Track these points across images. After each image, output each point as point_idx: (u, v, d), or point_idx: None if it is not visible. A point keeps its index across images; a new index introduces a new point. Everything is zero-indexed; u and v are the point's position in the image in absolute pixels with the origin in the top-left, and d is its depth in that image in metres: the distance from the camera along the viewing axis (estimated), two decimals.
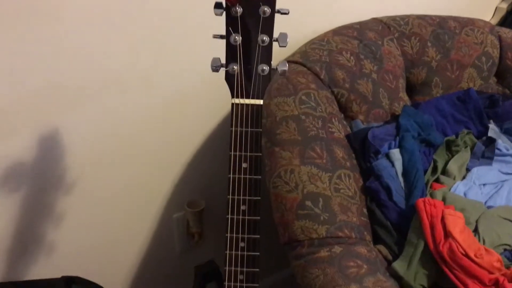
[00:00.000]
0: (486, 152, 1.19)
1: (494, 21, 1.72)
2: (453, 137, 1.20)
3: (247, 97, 0.74)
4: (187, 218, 1.34)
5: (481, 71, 1.36)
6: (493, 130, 1.24)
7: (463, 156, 1.17)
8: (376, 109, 1.20)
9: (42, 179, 1.09)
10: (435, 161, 1.14)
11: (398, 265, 0.95)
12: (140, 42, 1.07)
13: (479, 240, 0.97)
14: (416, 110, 1.21)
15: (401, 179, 1.07)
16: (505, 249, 0.99)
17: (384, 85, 1.22)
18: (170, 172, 1.29)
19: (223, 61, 0.74)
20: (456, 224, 0.95)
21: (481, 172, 1.14)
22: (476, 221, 1.00)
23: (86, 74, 1.05)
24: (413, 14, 1.35)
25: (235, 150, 0.75)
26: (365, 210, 1.04)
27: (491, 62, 1.37)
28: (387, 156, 1.10)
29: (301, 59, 1.16)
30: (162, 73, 1.13)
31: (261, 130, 0.75)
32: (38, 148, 1.06)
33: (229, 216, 0.77)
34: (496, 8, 1.73)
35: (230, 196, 0.77)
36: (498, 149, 1.19)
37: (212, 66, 0.74)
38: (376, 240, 1.03)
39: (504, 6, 1.71)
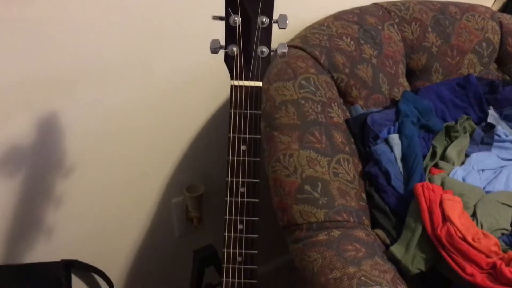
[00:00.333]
0: (485, 138, 1.19)
1: (495, 7, 1.71)
2: (453, 122, 1.20)
3: (246, 79, 0.74)
4: (186, 203, 1.34)
5: (481, 57, 1.35)
6: (492, 116, 1.23)
7: (462, 141, 1.17)
8: (375, 94, 1.19)
9: (41, 163, 1.09)
10: (434, 147, 1.14)
11: (396, 249, 0.95)
12: (138, 25, 1.06)
13: (477, 225, 0.97)
14: (415, 96, 1.20)
15: (400, 164, 1.07)
16: (502, 234, 0.99)
17: (384, 71, 1.21)
18: (169, 157, 1.29)
19: (222, 43, 0.73)
20: (454, 209, 0.95)
21: (480, 158, 1.14)
22: (475, 206, 1.01)
23: (84, 59, 1.04)
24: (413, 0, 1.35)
25: (234, 132, 0.75)
26: (363, 195, 1.04)
27: (491, 48, 1.37)
28: (386, 141, 1.09)
29: (301, 44, 1.15)
30: (160, 56, 1.12)
31: (260, 112, 0.75)
32: (37, 133, 1.05)
33: (228, 199, 0.78)
34: None
35: (229, 178, 0.77)
36: (498, 135, 1.19)
37: (211, 48, 0.74)
38: (375, 224, 1.03)
39: None
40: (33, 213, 1.14)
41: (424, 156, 1.12)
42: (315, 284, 0.90)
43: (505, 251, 0.93)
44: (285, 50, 0.75)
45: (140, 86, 1.13)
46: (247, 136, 0.75)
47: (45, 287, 1.16)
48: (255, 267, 0.81)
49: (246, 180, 0.77)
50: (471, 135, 1.20)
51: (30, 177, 1.09)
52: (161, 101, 1.18)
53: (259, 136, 0.75)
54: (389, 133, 1.12)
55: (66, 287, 1.18)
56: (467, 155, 1.16)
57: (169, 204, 1.35)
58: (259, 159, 0.76)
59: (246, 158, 0.76)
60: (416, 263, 0.94)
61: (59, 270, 1.18)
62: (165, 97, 1.18)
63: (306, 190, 0.97)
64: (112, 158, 1.19)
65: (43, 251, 1.17)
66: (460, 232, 0.92)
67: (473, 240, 0.91)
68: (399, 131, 1.12)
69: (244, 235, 0.79)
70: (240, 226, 0.79)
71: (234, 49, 0.72)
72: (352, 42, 1.17)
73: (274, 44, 0.74)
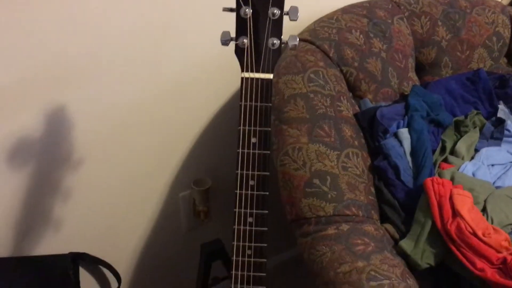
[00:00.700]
0: (495, 133, 1.18)
1: (505, 1, 1.69)
2: (462, 117, 1.19)
3: (257, 71, 0.74)
4: (193, 197, 1.34)
5: (491, 52, 1.34)
6: (502, 111, 1.22)
7: (472, 136, 1.16)
8: (384, 89, 1.19)
9: (49, 157, 1.09)
10: (443, 141, 1.14)
11: (405, 244, 0.95)
12: (147, 17, 1.06)
13: (487, 220, 0.96)
14: (425, 90, 1.20)
15: (409, 158, 1.07)
16: None
17: (393, 64, 1.20)
18: (176, 150, 1.29)
19: (233, 34, 0.73)
20: (464, 203, 0.94)
21: (489, 153, 1.13)
22: (485, 201, 1.00)
23: (93, 51, 1.04)
24: None
25: (244, 125, 0.75)
26: (372, 189, 1.04)
27: (501, 42, 1.36)
28: (396, 135, 1.09)
29: (310, 37, 1.15)
30: (169, 49, 1.12)
31: (270, 104, 0.74)
32: (45, 125, 1.05)
33: (238, 191, 0.77)
34: None
35: (239, 171, 0.77)
36: (508, 130, 1.18)
37: (221, 40, 0.73)
38: (383, 219, 1.03)
39: None
40: (41, 206, 1.14)
41: (434, 151, 1.11)
42: (324, 278, 0.90)
43: None
44: (296, 42, 0.75)
45: (148, 80, 1.13)
46: (258, 128, 0.75)
47: (53, 280, 1.16)
48: (264, 260, 0.81)
49: (256, 173, 0.76)
50: (480, 130, 1.19)
51: (38, 171, 1.09)
52: (170, 95, 1.18)
53: (270, 129, 0.75)
54: (398, 127, 1.11)
55: (74, 280, 1.18)
56: (476, 150, 1.15)
57: (177, 198, 1.34)
58: (269, 152, 0.76)
59: (256, 151, 0.75)
60: (425, 257, 0.93)
61: (67, 263, 1.18)
62: (174, 91, 1.18)
63: (315, 184, 0.96)
64: (119, 152, 1.19)
65: (52, 244, 1.18)
66: (470, 227, 0.91)
67: (483, 235, 0.91)
68: (409, 125, 1.11)
69: (253, 228, 0.79)
70: (249, 219, 0.78)
71: (245, 41, 0.72)
72: (361, 36, 1.17)
73: (284, 37, 0.73)
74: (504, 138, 1.18)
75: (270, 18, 0.71)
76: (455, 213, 0.93)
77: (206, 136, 1.29)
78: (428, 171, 1.04)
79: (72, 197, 1.17)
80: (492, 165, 1.12)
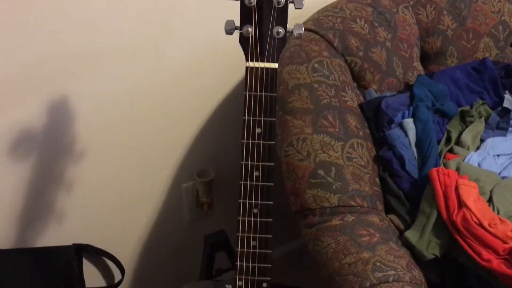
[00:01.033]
0: (501, 123, 1.17)
1: None
2: (468, 107, 1.18)
3: (262, 61, 0.73)
4: (196, 188, 1.34)
5: (497, 41, 1.33)
6: (508, 100, 1.21)
7: (477, 126, 1.15)
8: (389, 78, 1.18)
9: (52, 147, 1.08)
10: (448, 132, 1.13)
11: (411, 234, 0.94)
12: (151, 7, 1.05)
13: (493, 210, 0.96)
14: (430, 80, 1.18)
15: (414, 149, 1.06)
16: None
17: (398, 54, 1.19)
18: (180, 141, 1.28)
19: (237, 23, 0.72)
20: (470, 194, 0.94)
21: (495, 143, 1.12)
22: (491, 191, 0.99)
23: (95, 41, 1.03)
24: None
25: (248, 115, 0.74)
26: (377, 180, 1.03)
27: (508, 31, 1.34)
28: (401, 126, 1.08)
29: (314, 26, 1.13)
30: (172, 38, 1.11)
31: (275, 94, 0.74)
32: (48, 115, 1.05)
33: (243, 182, 0.77)
34: None
35: (244, 162, 0.76)
36: None
37: (226, 29, 0.72)
38: (388, 209, 1.02)
39: None
40: (44, 198, 1.13)
41: (439, 141, 1.10)
42: (329, 269, 0.89)
43: None
44: (301, 31, 0.74)
45: (151, 69, 1.12)
46: (262, 119, 0.74)
47: (57, 271, 1.16)
48: (269, 251, 0.80)
49: (261, 163, 0.76)
50: (486, 120, 1.18)
51: (41, 161, 1.08)
52: (173, 86, 1.17)
53: (275, 119, 0.74)
54: (403, 117, 1.10)
55: (78, 271, 1.18)
56: (482, 140, 1.14)
57: (180, 189, 1.34)
58: (274, 143, 0.75)
59: (261, 141, 0.75)
60: (430, 248, 0.93)
61: (71, 254, 1.18)
62: (177, 81, 1.17)
63: (320, 175, 0.96)
64: (122, 143, 1.19)
65: (55, 235, 1.18)
66: (476, 217, 0.91)
67: (489, 225, 0.90)
68: (414, 116, 1.10)
69: (258, 219, 0.78)
70: (254, 210, 0.78)
71: (250, 29, 0.71)
72: (366, 25, 1.15)
73: (288, 26, 0.72)
74: (510, 128, 1.17)
75: (275, 6, 0.70)
76: (461, 204, 0.92)
77: (210, 127, 1.29)
78: (434, 162, 1.03)
79: (75, 189, 1.17)
80: (498, 155, 1.11)
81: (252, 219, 0.79)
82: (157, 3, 1.05)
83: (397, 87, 1.19)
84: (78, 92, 1.06)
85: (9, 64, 0.96)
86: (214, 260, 1.30)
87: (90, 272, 1.28)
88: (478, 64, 1.26)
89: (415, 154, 1.06)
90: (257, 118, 0.74)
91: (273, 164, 0.76)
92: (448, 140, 1.12)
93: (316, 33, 1.12)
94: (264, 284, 0.83)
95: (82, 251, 1.21)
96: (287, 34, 0.72)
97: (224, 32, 0.72)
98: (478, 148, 1.12)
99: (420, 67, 1.26)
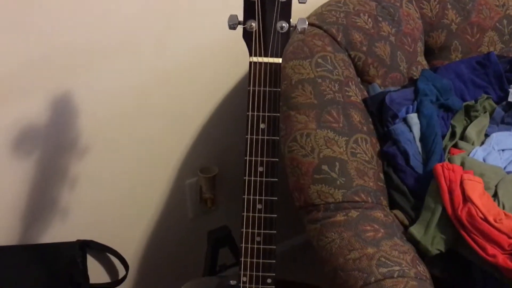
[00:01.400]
0: (506, 117, 1.17)
1: None
2: (472, 102, 1.17)
3: (265, 56, 0.72)
4: (200, 184, 1.34)
5: (502, 35, 1.32)
6: None
7: (482, 121, 1.15)
8: (393, 73, 1.17)
9: (56, 142, 1.08)
10: (453, 126, 1.12)
11: (415, 230, 0.94)
12: (153, 1, 1.04)
13: (498, 205, 0.95)
14: (435, 74, 1.18)
15: (418, 144, 1.06)
16: None
17: (402, 49, 1.18)
18: (183, 137, 1.28)
19: (241, 18, 0.71)
20: (475, 189, 0.93)
21: (500, 138, 1.12)
22: (496, 186, 0.99)
23: (98, 36, 1.03)
24: None
25: (252, 110, 0.74)
26: (381, 175, 1.03)
27: None
28: (405, 121, 1.08)
29: (317, 21, 1.13)
30: (175, 33, 1.10)
31: (279, 89, 0.73)
32: (51, 111, 1.05)
33: (247, 178, 0.76)
34: None
35: (248, 158, 0.76)
36: None
37: (229, 24, 0.72)
38: (393, 205, 1.02)
39: None
40: (48, 194, 1.14)
41: (443, 136, 1.10)
42: (333, 264, 0.89)
43: None
44: (305, 25, 0.73)
45: (154, 64, 1.12)
46: (266, 114, 0.74)
47: (61, 267, 1.17)
48: (274, 247, 0.80)
49: (265, 159, 0.75)
50: (491, 115, 1.17)
51: (44, 157, 1.08)
52: (176, 81, 1.17)
53: (279, 114, 0.74)
54: (407, 112, 1.10)
55: (82, 267, 1.18)
56: (487, 135, 1.14)
57: (183, 185, 1.34)
58: (278, 138, 0.75)
59: (265, 137, 0.74)
60: (435, 244, 0.93)
61: (75, 250, 1.18)
62: (180, 77, 1.17)
63: (324, 170, 0.96)
64: (126, 139, 1.19)
65: (59, 232, 1.18)
66: (481, 212, 0.90)
67: (494, 220, 0.90)
68: (418, 111, 1.10)
69: (262, 215, 0.78)
70: (258, 206, 0.78)
71: (253, 24, 0.71)
72: (369, 20, 1.15)
73: (292, 20, 0.72)
74: None
75: (278, 0, 0.69)
76: (466, 199, 0.92)
77: (213, 123, 1.29)
78: (438, 157, 1.02)
79: (78, 185, 1.17)
80: (503, 150, 1.10)
81: (257, 214, 0.78)
82: None
83: (401, 82, 1.19)
84: (81, 87, 1.06)
85: (12, 60, 0.96)
86: (217, 256, 1.30)
87: (94, 268, 1.28)
88: (482, 58, 1.25)
89: (420, 149, 1.05)
90: (261, 114, 0.74)
91: (277, 159, 0.76)
92: (453, 135, 1.12)
93: (320, 28, 1.12)
94: (269, 280, 0.82)
95: (86, 247, 1.21)
96: (291, 28, 0.72)
97: (227, 27, 0.72)
98: (482, 143, 1.12)
99: (424, 62, 1.26)
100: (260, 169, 0.76)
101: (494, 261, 0.87)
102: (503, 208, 0.95)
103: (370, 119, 1.09)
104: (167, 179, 1.31)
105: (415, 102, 1.11)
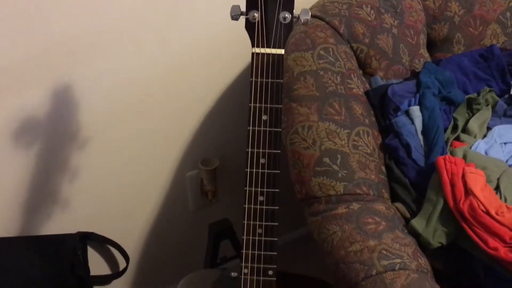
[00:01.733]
0: (508, 110, 1.16)
1: None
2: (475, 95, 1.17)
3: (268, 47, 0.72)
4: (201, 177, 1.33)
5: (505, 27, 1.31)
6: None
7: (484, 114, 1.14)
8: (396, 66, 1.16)
9: (57, 134, 1.08)
10: (455, 119, 1.12)
11: (417, 222, 0.94)
12: None
13: (500, 198, 0.95)
14: (437, 67, 1.17)
15: (420, 136, 1.05)
16: None
17: (404, 41, 1.18)
18: (184, 130, 1.28)
19: (243, 8, 0.71)
20: (477, 182, 0.93)
21: (502, 131, 1.12)
22: (498, 179, 0.98)
23: (99, 28, 1.02)
24: None
25: (255, 102, 0.73)
26: (383, 168, 1.03)
27: None
28: (407, 113, 1.07)
29: (320, 13, 1.12)
30: (177, 24, 1.10)
31: (282, 81, 0.73)
32: (52, 103, 1.04)
33: (248, 170, 0.76)
34: None
35: (250, 149, 0.75)
36: None
37: (231, 14, 0.71)
38: (394, 198, 1.01)
39: None
40: (49, 186, 1.13)
41: (445, 129, 1.09)
42: (334, 257, 0.89)
43: None
44: (308, 16, 0.73)
45: (155, 56, 1.11)
46: (269, 105, 0.73)
47: (62, 259, 1.17)
48: (275, 239, 0.80)
49: (267, 151, 0.75)
50: (493, 108, 1.17)
51: (45, 149, 1.08)
52: (177, 72, 1.16)
53: (281, 106, 0.73)
54: (409, 105, 1.09)
55: (82, 259, 1.19)
56: (489, 128, 1.13)
57: (184, 178, 1.34)
58: (280, 130, 0.75)
59: (268, 128, 0.74)
60: (437, 236, 0.93)
61: (76, 242, 1.18)
62: (182, 68, 1.16)
63: (325, 163, 0.95)
64: (126, 131, 1.18)
65: (60, 223, 1.18)
66: (483, 205, 0.90)
67: (496, 213, 0.89)
68: (420, 103, 1.09)
69: (264, 207, 0.78)
70: (260, 198, 0.77)
71: (256, 15, 0.70)
72: (372, 11, 1.14)
73: (295, 11, 0.71)
74: None
75: None
76: (468, 192, 0.91)
77: (214, 115, 1.28)
78: (440, 150, 1.02)
79: (79, 177, 1.17)
80: (505, 143, 1.10)
81: (258, 207, 0.78)
82: None
83: (404, 74, 1.18)
84: (82, 79, 1.05)
85: (12, 52, 0.96)
86: (218, 248, 1.30)
87: (95, 260, 1.28)
88: (485, 51, 1.24)
89: (422, 142, 1.05)
90: (263, 105, 0.73)
91: (279, 151, 0.76)
92: (455, 128, 1.11)
93: (322, 20, 1.11)
94: (270, 272, 0.82)
95: (86, 239, 1.21)
96: (294, 19, 0.71)
97: (229, 17, 0.71)
98: (485, 136, 1.11)
99: (427, 54, 1.25)
100: (262, 160, 0.76)
101: (495, 254, 0.87)
102: (505, 201, 0.95)
103: (372, 112, 1.08)
104: (168, 171, 1.31)
105: (417, 95, 1.11)
